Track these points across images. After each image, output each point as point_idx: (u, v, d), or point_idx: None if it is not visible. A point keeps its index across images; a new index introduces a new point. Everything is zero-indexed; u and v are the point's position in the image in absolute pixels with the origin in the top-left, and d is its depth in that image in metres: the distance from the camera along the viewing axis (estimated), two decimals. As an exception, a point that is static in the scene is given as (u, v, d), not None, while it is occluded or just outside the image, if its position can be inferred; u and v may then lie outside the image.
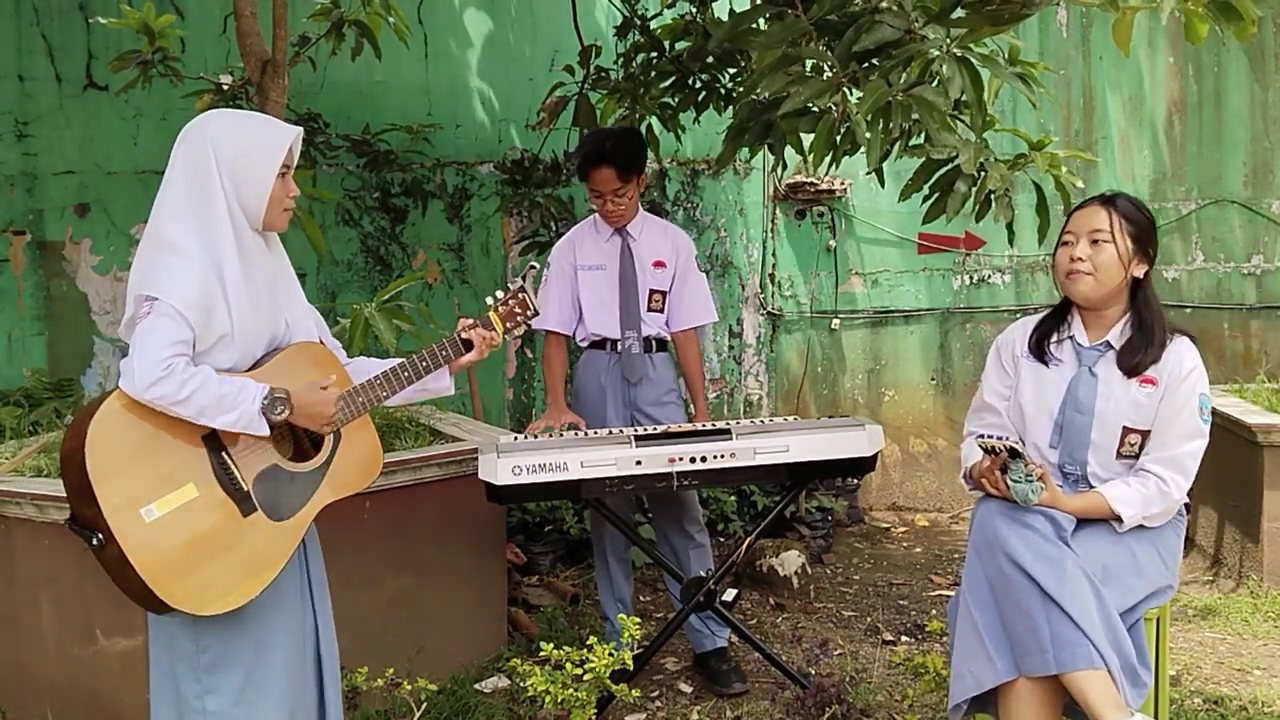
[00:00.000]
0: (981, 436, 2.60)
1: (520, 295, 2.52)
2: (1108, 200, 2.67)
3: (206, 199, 2.14)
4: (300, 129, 2.29)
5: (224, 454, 2.16)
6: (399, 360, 2.40)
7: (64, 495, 2.14)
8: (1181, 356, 2.62)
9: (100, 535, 2.04)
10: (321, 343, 2.38)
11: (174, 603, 2.07)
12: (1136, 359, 2.62)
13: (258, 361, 2.23)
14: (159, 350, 2.04)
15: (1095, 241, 2.62)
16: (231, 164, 2.15)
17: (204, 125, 2.19)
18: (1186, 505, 2.75)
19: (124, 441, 2.08)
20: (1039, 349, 2.74)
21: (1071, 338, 2.72)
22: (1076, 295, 2.66)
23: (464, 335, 2.45)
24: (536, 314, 2.53)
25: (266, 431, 2.14)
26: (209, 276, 2.11)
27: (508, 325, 2.51)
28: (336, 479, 2.31)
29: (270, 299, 2.24)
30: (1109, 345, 2.67)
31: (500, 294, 2.53)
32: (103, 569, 2.11)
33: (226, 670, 2.19)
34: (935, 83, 2.97)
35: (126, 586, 2.09)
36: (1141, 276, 2.66)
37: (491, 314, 2.51)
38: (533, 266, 2.62)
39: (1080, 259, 2.62)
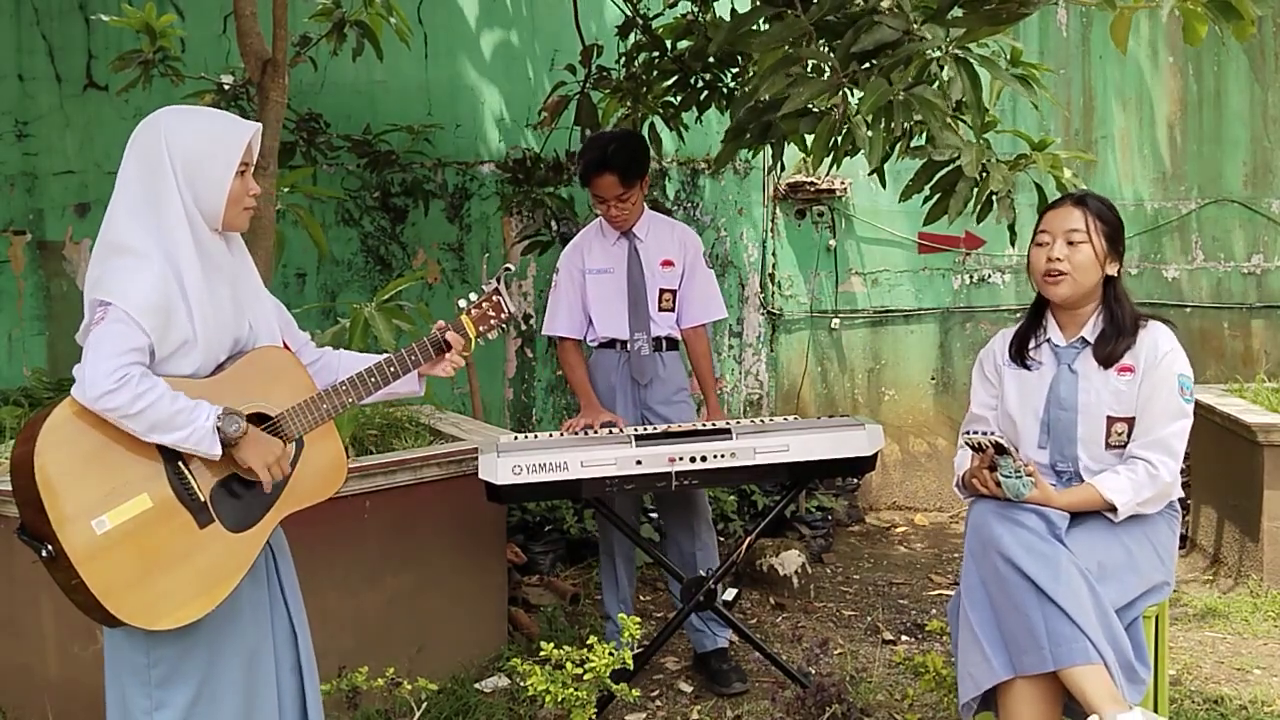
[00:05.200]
0: (968, 434, 2.62)
1: (494, 298, 2.43)
2: (1080, 200, 2.72)
3: (162, 199, 2.06)
4: (259, 125, 2.22)
5: (180, 463, 2.08)
6: (368, 362, 2.32)
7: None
8: (1157, 340, 2.66)
9: (50, 547, 1.97)
10: (286, 346, 2.30)
11: (125, 617, 2.00)
12: (1109, 348, 2.67)
13: (220, 366, 2.15)
14: (112, 359, 1.96)
15: (1072, 242, 2.66)
16: (187, 163, 2.07)
17: (157, 122, 2.10)
18: (1183, 501, 2.75)
19: (75, 450, 2.00)
20: (1019, 355, 2.78)
21: (1048, 340, 2.76)
22: (1056, 297, 2.70)
23: (437, 339, 2.36)
24: (511, 316, 2.44)
25: (219, 452, 2.05)
26: (167, 279, 2.03)
27: (480, 329, 2.42)
28: (298, 488, 2.22)
29: (233, 301, 2.16)
30: (1085, 341, 2.71)
31: (473, 296, 2.44)
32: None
33: (178, 685, 2.12)
34: (934, 84, 2.96)
35: (77, 599, 2.02)
36: (1115, 275, 2.71)
37: (464, 317, 2.41)
38: (507, 268, 2.53)
39: (1058, 259, 2.66)
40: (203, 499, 2.10)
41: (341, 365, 2.38)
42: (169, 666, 2.12)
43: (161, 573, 2.04)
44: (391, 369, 2.31)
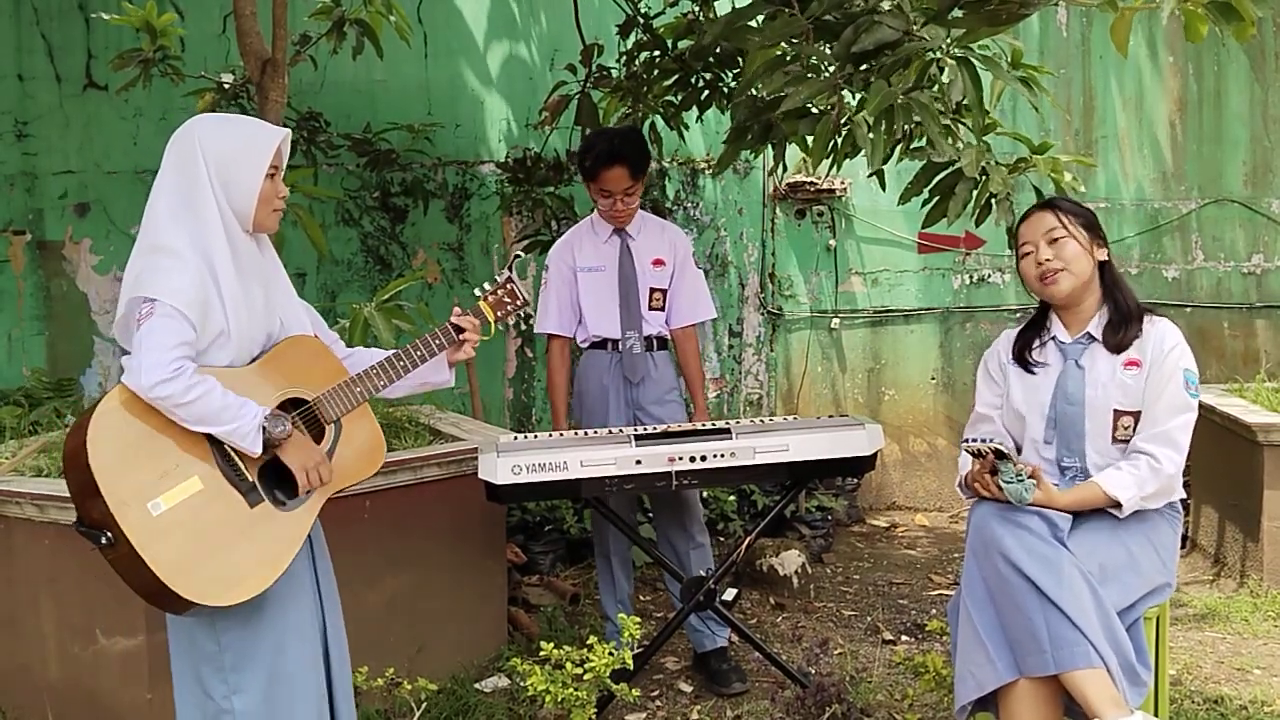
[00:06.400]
0: (968, 441, 2.62)
1: (508, 285, 2.56)
2: (1047, 203, 2.79)
3: (198, 202, 2.17)
4: (288, 130, 2.33)
5: (227, 446, 2.17)
6: (394, 350, 2.43)
7: (64, 495, 2.14)
8: (1163, 335, 2.68)
9: (109, 534, 2.05)
10: (316, 336, 2.41)
11: (188, 594, 2.07)
12: (1120, 336, 2.69)
13: (254, 358, 2.26)
14: (166, 350, 2.07)
15: (1054, 240, 2.70)
16: (220, 167, 2.19)
17: (192, 129, 2.22)
18: (1185, 502, 2.75)
19: (126, 437, 2.09)
20: (1022, 359, 2.79)
21: (1054, 339, 2.78)
22: (1059, 295, 2.72)
23: (455, 322, 2.47)
24: (526, 303, 2.57)
25: (259, 450, 2.15)
26: (204, 277, 2.14)
27: (498, 314, 2.55)
28: (341, 467, 2.33)
29: (265, 298, 2.28)
30: (1091, 337, 2.73)
31: (488, 285, 2.57)
32: (111, 569, 2.11)
33: (251, 668, 2.21)
34: (934, 85, 2.96)
35: (139, 584, 2.09)
36: (1105, 260, 2.74)
37: (482, 304, 2.54)
38: (517, 256, 2.66)
39: (1047, 259, 2.70)
40: (251, 479, 2.20)
41: (372, 361, 2.47)
42: (239, 651, 2.21)
43: (218, 551, 2.13)
44: (418, 353, 2.42)
